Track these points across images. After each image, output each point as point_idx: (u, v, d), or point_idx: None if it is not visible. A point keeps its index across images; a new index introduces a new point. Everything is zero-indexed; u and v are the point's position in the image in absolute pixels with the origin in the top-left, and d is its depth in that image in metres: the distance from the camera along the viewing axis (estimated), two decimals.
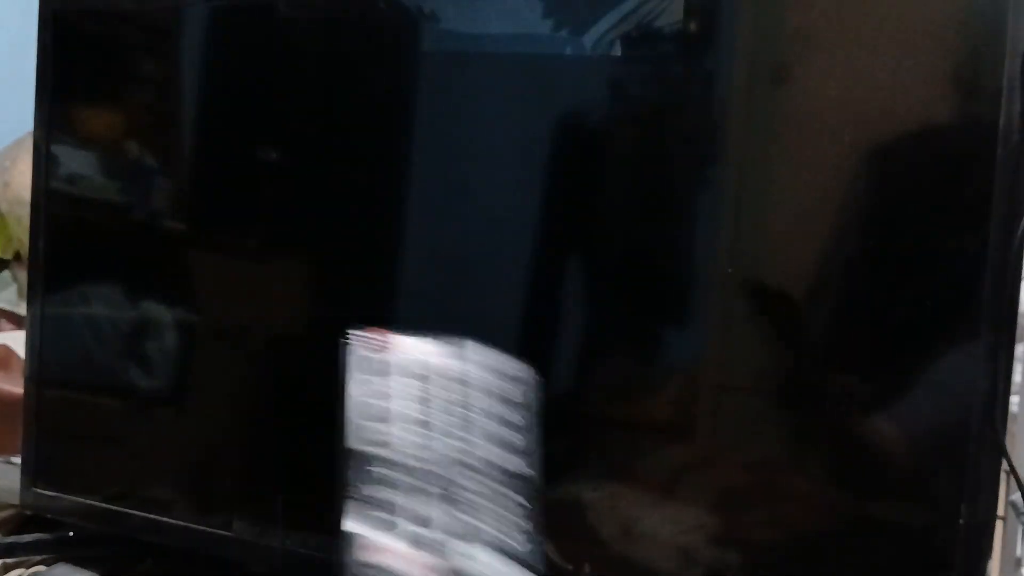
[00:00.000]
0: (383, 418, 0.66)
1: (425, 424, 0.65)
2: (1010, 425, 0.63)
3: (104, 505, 0.86)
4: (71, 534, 0.90)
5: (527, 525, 0.63)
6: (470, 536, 0.63)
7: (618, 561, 0.66)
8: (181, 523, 0.82)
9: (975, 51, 0.57)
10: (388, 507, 0.66)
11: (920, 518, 0.58)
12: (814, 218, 0.61)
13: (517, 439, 0.63)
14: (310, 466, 0.78)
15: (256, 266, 0.82)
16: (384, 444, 0.66)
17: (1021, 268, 0.56)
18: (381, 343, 0.66)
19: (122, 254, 0.88)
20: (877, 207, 0.60)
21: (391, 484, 0.66)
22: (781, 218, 0.62)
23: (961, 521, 0.56)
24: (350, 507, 0.67)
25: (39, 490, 0.90)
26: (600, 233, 0.69)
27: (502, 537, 0.63)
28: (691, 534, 0.64)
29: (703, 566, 0.63)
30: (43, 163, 0.90)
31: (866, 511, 0.60)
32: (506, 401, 0.63)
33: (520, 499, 0.63)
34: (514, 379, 0.63)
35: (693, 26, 0.64)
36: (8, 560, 0.88)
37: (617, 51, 0.66)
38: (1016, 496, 0.67)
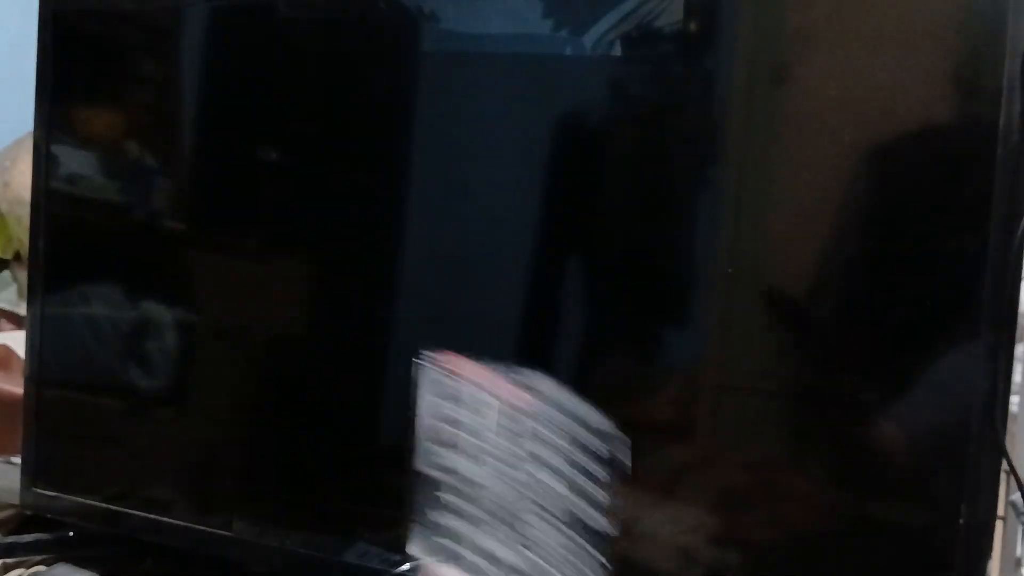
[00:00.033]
0: (452, 444, 0.65)
1: (492, 455, 0.64)
2: (1010, 425, 0.63)
3: (104, 505, 0.86)
4: (71, 534, 0.90)
5: None
6: None
7: (618, 561, 0.66)
8: (181, 523, 0.82)
9: (975, 51, 0.57)
10: (454, 536, 0.65)
11: (920, 518, 0.58)
12: (814, 218, 0.61)
13: (599, 494, 0.62)
14: (310, 466, 0.78)
15: (256, 266, 0.82)
16: (452, 471, 0.65)
17: (1021, 268, 0.56)
18: (452, 368, 0.66)
19: (122, 254, 0.88)
20: (877, 207, 0.60)
21: (458, 512, 0.65)
22: (781, 218, 0.62)
23: (961, 521, 0.56)
24: (416, 531, 0.66)
25: (39, 490, 0.90)
26: (600, 233, 0.69)
27: None
28: (691, 534, 0.64)
29: (703, 566, 0.63)
30: (43, 163, 0.90)
31: (866, 511, 0.60)
32: (587, 451, 0.62)
33: (600, 557, 0.62)
34: (598, 432, 0.62)
35: (693, 26, 0.64)
36: (8, 560, 0.88)
37: (617, 51, 0.66)
38: (1016, 496, 0.66)
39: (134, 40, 0.88)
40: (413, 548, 0.66)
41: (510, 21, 0.70)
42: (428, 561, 0.64)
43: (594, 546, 0.62)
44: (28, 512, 0.93)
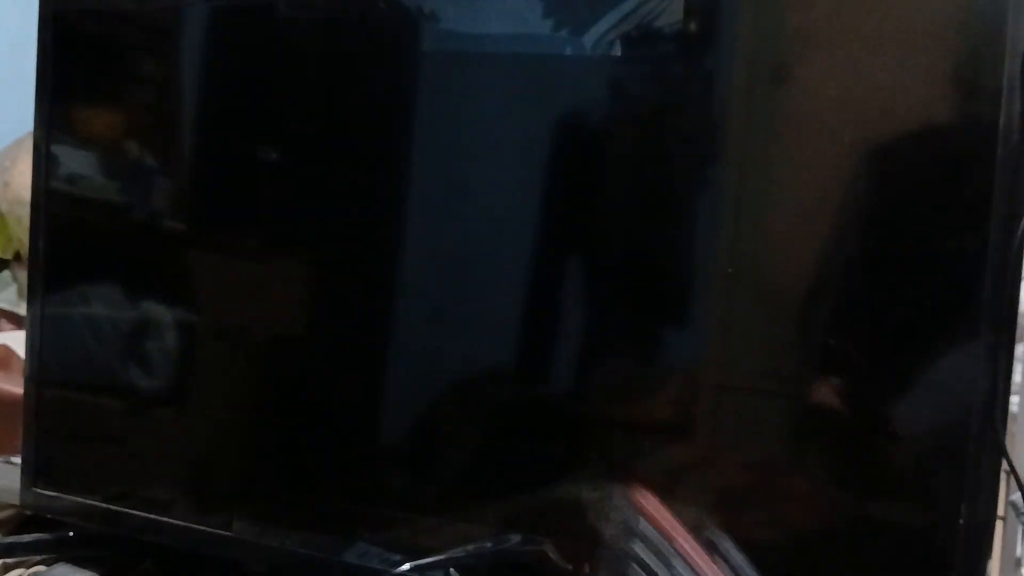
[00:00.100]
0: None
1: None
2: (1010, 425, 0.63)
3: (104, 505, 0.86)
4: (71, 534, 0.90)
5: None
6: None
7: (618, 561, 0.66)
8: (181, 523, 0.82)
9: (975, 51, 0.57)
10: None
11: (920, 518, 0.58)
12: (814, 218, 0.61)
13: None
14: (310, 466, 0.78)
15: (256, 266, 0.82)
16: None
17: (1021, 268, 0.56)
18: (637, 503, 0.65)
19: (122, 254, 0.88)
20: (877, 207, 0.60)
21: None
22: (781, 218, 0.62)
23: (961, 521, 0.56)
24: None
25: (39, 490, 0.90)
26: (600, 233, 0.69)
27: None
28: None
29: None
30: (43, 163, 0.90)
31: (866, 511, 0.60)
32: None
33: None
34: None
35: (693, 26, 0.64)
36: (8, 560, 0.88)
37: (617, 51, 0.66)
38: (1016, 496, 0.67)
39: (134, 40, 0.88)
40: None
41: (510, 21, 0.70)
42: None
43: None
44: (28, 512, 0.93)
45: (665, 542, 0.62)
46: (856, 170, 0.60)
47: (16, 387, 0.94)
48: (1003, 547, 0.89)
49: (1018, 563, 0.89)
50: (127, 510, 0.85)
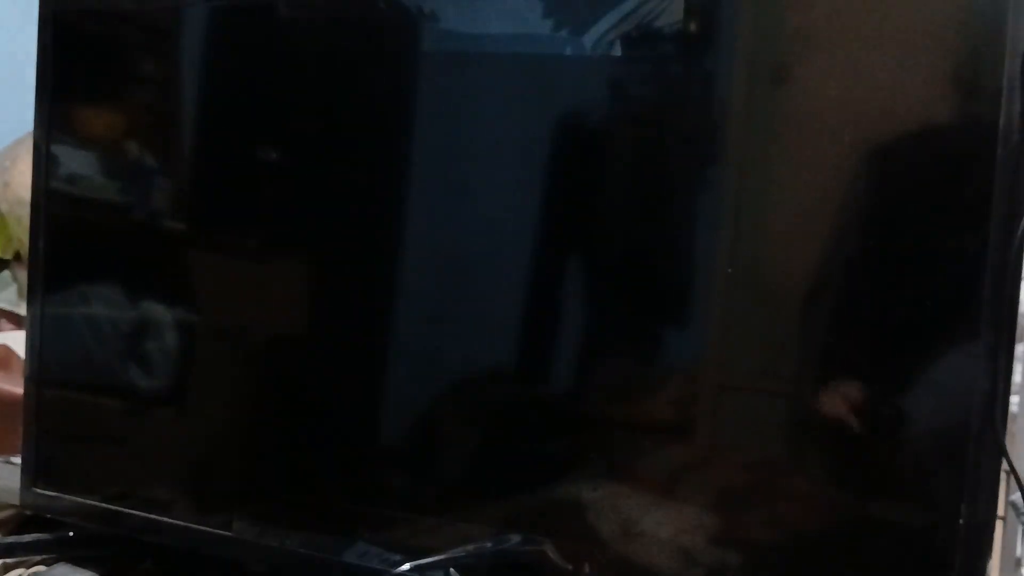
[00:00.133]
0: None
1: None
2: (1010, 425, 0.63)
3: (104, 505, 0.86)
4: (71, 534, 0.90)
5: None
6: None
7: (618, 561, 0.66)
8: (181, 523, 0.82)
9: (975, 51, 0.57)
10: None
11: (920, 518, 0.58)
12: (814, 218, 0.61)
13: None
14: (310, 466, 0.78)
15: (256, 266, 0.82)
16: None
17: (1021, 268, 0.56)
18: None
19: (122, 254, 0.88)
20: (877, 207, 0.60)
21: None
22: (781, 218, 0.62)
23: (961, 521, 0.56)
24: None
25: (39, 490, 0.90)
26: (600, 233, 0.69)
27: None
28: (691, 534, 0.64)
29: (703, 566, 0.63)
30: (43, 163, 0.90)
31: (866, 511, 0.60)
32: None
33: None
34: None
35: (693, 26, 0.64)
36: (8, 560, 0.88)
37: (617, 51, 0.66)
38: (1016, 496, 0.67)
39: (134, 40, 0.88)
40: None
41: (510, 21, 0.70)
42: None
43: None
44: (28, 512, 0.93)
45: None
46: (856, 170, 0.60)
47: (16, 387, 0.94)
48: (1003, 547, 0.89)
49: (1018, 563, 0.89)
50: (127, 510, 0.85)
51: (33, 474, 0.90)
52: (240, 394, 0.83)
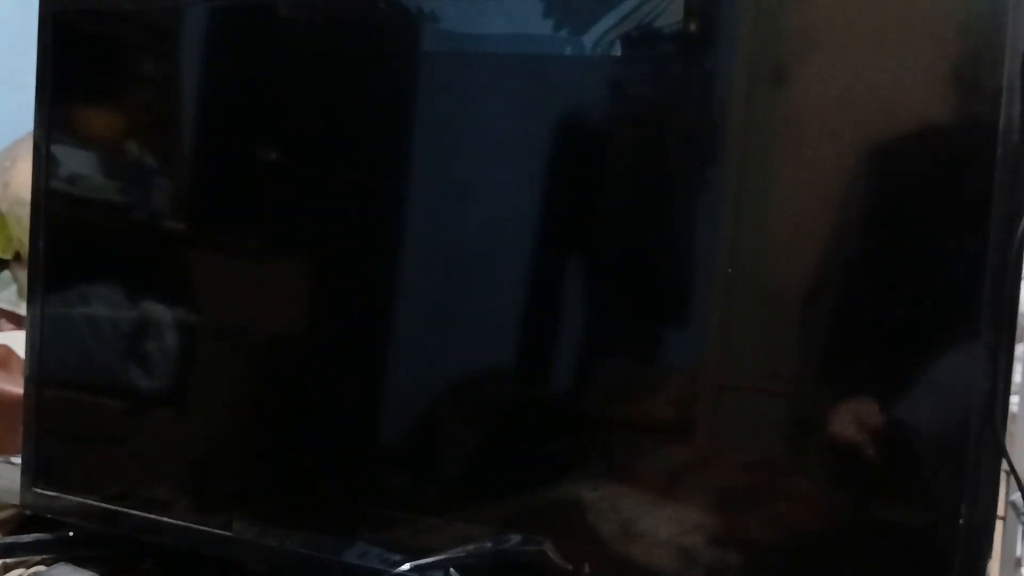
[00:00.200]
0: None
1: None
2: (1010, 425, 0.63)
3: (104, 505, 0.86)
4: (71, 534, 0.90)
5: None
6: None
7: (618, 561, 0.66)
8: (181, 523, 0.82)
9: (975, 51, 0.57)
10: None
11: (920, 518, 0.58)
12: (814, 218, 0.61)
13: None
14: (310, 466, 0.78)
15: (256, 266, 0.82)
16: None
17: (1021, 268, 0.56)
18: None
19: (122, 254, 0.88)
20: (877, 207, 0.60)
21: None
22: (781, 218, 0.62)
23: (961, 521, 0.56)
24: None
25: (39, 490, 0.90)
26: (600, 233, 0.69)
27: None
28: (691, 534, 0.64)
29: (703, 566, 0.63)
30: (43, 163, 0.90)
31: (866, 511, 0.60)
32: None
33: None
34: None
35: (693, 26, 0.64)
36: (8, 560, 0.88)
37: (617, 51, 0.66)
38: (1016, 496, 0.67)
39: (134, 40, 0.88)
40: None
41: (510, 21, 0.70)
42: None
43: None
44: (28, 512, 0.93)
45: None
46: (856, 170, 0.60)
47: (16, 387, 0.94)
48: (1003, 547, 0.89)
49: (1018, 563, 0.89)
50: (127, 510, 0.85)
51: (33, 474, 0.90)
52: (240, 394, 0.83)
